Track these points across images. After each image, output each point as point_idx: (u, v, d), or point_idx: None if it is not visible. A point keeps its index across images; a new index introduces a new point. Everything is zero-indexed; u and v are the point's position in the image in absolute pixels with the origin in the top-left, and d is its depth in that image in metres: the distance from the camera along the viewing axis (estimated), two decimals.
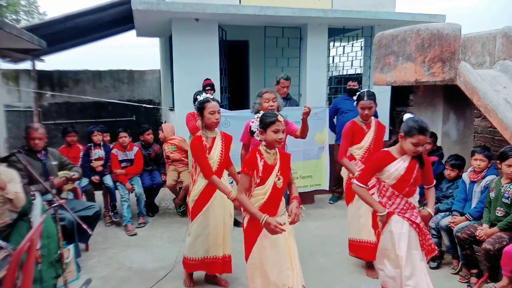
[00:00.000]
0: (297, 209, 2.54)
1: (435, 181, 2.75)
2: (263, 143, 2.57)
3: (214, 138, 3.17)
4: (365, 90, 3.61)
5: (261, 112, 2.63)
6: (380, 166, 2.59)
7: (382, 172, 2.58)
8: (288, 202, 2.63)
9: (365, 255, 3.56)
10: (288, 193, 2.74)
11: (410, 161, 2.55)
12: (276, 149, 2.59)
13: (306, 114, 3.34)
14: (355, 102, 3.60)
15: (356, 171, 3.40)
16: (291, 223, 2.53)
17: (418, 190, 2.64)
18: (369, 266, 3.60)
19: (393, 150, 2.61)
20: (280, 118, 2.50)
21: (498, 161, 3.40)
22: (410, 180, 2.54)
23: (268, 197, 2.52)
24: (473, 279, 3.39)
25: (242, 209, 2.64)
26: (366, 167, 2.81)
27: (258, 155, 2.54)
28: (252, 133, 2.65)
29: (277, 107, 3.56)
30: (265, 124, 2.50)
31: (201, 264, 3.30)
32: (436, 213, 3.75)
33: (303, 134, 3.64)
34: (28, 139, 3.69)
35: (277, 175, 2.54)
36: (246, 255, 2.63)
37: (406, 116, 2.61)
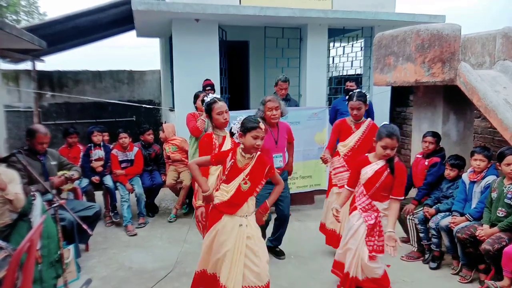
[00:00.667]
0: (259, 214, 2.77)
1: (402, 198, 2.92)
2: (241, 146, 2.63)
3: (224, 137, 3.16)
4: (357, 90, 3.79)
5: (242, 116, 2.69)
6: (357, 169, 2.96)
7: (360, 173, 2.94)
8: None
9: (330, 241, 3.89)
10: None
11: (382, 166, 2.84)
12: (254, 154, 2.63)
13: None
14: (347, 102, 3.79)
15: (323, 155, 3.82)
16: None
17: (388, 199, 2.88)
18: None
19: (371, 155, 2.94)
20: (261, 125, 2.55)
21: (497, 163, 3.42)
22: (375, 183, 2.83)
23: (230, 197, 2.61)
24: (482, 276, 3.39)
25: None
26: (351, 172, 3.18)
27: (230, 154, 2.64)
28: (232, 134, 2.73)
29: (281, 114, 3.63)
30: (245, 128, 2.56)
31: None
32: (436, 213, 3.76)
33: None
34: (34, 142, 3.67)
35: (244, 178, 2.60)
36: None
37: (382, 124, 2.90)
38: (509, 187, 3.27)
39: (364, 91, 3.89)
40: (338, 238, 3.55)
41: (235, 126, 2.65)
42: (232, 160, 2.60)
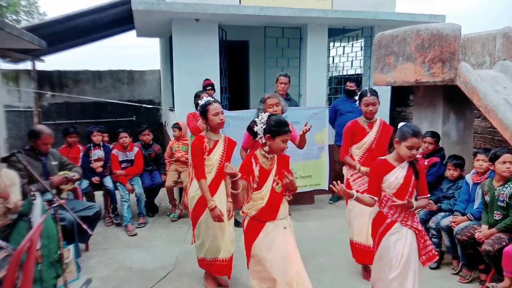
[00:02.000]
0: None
1: (429, 195, 2.73)
2: (265, 148, 2.53)
3: (216, 142, 3.14)
4: (367, 88, 3.62)
5: (266, 114, 2.55)
6: (379, 175, 2.59)
7: (383, 181, 2.57)
8: None
9: (360, 257, 3.53)
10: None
11: (407, 169, 2.56)
12: (274, 154, 2.57)
13: (306, 131, 3.41)
14: (357, 101, 3.56)
15: (357, 166, 3.46)
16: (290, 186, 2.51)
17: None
18: (365, 269, 3.58)
19: (390, 158, 2.63)
20: (291, 128, 2.49)
21: (489, 163, 3.41)
22: (408, 188, 2.55)
23: (267, 201, 2.50)
24: (482, 276, 3.39)
25: (241, 210, 2.63)
26: (369, 180, 2.78)
27: (253, 160, 2.52)
28: (255, 134, 2.57)
29: (281, 110, 3.57)
30: (276, 132, 2.44)
31: (211, 265, 3.29)
32: (437, 213, 3.76)
33: (301, 145, 3.77)
34: (39, 143, 3.67)
35: (274, 179, 2.53)
36: (247, 258, 2.61)
37: (401, 124, 2.65)
38: (499, 190, 3.26)
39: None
40: (368, 251, 3.28)
41: (259, 127, 2.50)
42: (258, 165, 2.51)
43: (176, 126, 5.30)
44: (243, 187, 2.45)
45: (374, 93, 3.47)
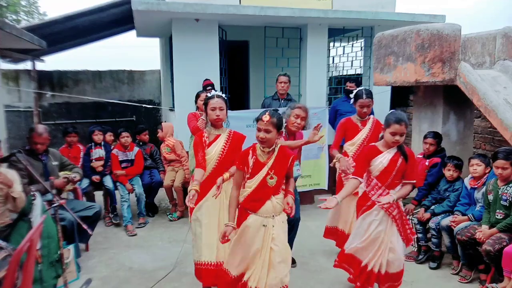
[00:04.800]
0: (293, 201, 2.64)
1: (415, 181, 2.90)
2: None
3: (218, 136, 3.15)
4: (363, 88, 3.72)
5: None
6: (367, 158, 2.87)
7: (370, 165, 2.86)
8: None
9: (338, 241, 3.84)
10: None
11: (394, 153, 2.81)
12: (275, 148, 2.61)
13: (309, 143, 3.36)
14: (352, 100, 3.73)
15: (337, 155, 3.73)
16: (290, 214, 2.64)
17: (400, 184, 2.88)
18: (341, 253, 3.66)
19: (379, 144, 2.90)
20: (264, 117, 2.52)
21: (485, 167, 3.54)
22: (392, 171, 2.80)
23: (252, 190, 2.57)
24: (482, 276, 3.40)
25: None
26: (356, 161, 3.13)
27: (250, 152, 2.62)
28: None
29: (303, 126, 3.50)
30: (255, 120, 2.61)
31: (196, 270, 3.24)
32: (431, 217, 3.78)
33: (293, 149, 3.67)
34: (31, 142, 3.69)
35: (268, 172, 2.56)
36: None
37: (388, 112, 2.87)
38: (503, 189, 3.27)
39: (363, 87, 3.87)
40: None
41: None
42: (254, 156, 2.60)
43: (159, 127, 5.45)
44: (235, 174, 2.70)
45: (369, 95, 3.66)
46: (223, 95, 3.23)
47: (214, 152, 3.10)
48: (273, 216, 2.62)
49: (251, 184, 2.58)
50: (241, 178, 2.64)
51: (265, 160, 2.60)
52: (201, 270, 3.15)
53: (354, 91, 3.75)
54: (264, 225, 2.58)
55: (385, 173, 2.80)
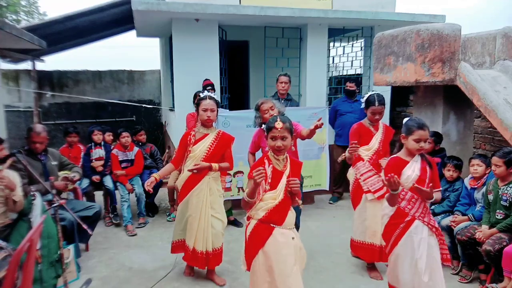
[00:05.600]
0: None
1: (441, 188, 2.75)
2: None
3: (206, 135, 3.21)
4: (375, 93, 3.55)
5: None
6: (397, 172, 2.56)
7: (400, 177, 2.57)
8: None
9: (367, 256, 3.58)
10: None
11: (421, 161, 2.62)
12: (287, 156, 2.54)
13: (319, 126, 3.34)
14: (363, 105, 3.59)
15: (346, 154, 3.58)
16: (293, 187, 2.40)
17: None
18: (371, 268, 3.60)
19: (401, 154, 2.68)
20: (277, 124, 2.40)
21: (486, 167, 3.53)
22: (425, 180, 2.57)
23: (279, 202, 2.43)
24: (482, 276, 3.40)
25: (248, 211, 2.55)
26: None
27: (266, 161, 2.49)
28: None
29: (278, 112, 3.52)
30: (266, 130, 2.49)
31: (180, 246, 3.50)
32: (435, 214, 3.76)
33: (309, 137, 3.65)
34: (29, 141, 3.69)
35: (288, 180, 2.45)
36: (247, 262, 2.53)
37: (406, 119, 2.69)
38: (503, 189, 3.28)
39: (375, 92, 3.65)
40: (381, 251, 3.38)
41: None
42: (271, 165, 2.46)
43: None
44: (252, 187, 2.38)
45: (382, 102, 3.51)
46: (215, 97, 3.28)
47: (199, 150, 3.18)
48: (292, 228, 2.52)
49: (276, 195, 2.43)
50: (254, 186, 2.37)
51: (282, 168, 2.48)
52: (178, 246, 3.49)
53: (365, 96, 3.59)
54: (292, 238, 2.46)
55: (419, 182, 2.54)
